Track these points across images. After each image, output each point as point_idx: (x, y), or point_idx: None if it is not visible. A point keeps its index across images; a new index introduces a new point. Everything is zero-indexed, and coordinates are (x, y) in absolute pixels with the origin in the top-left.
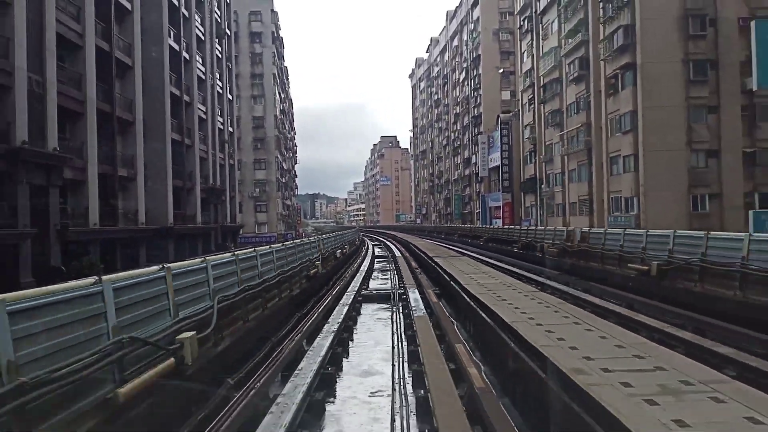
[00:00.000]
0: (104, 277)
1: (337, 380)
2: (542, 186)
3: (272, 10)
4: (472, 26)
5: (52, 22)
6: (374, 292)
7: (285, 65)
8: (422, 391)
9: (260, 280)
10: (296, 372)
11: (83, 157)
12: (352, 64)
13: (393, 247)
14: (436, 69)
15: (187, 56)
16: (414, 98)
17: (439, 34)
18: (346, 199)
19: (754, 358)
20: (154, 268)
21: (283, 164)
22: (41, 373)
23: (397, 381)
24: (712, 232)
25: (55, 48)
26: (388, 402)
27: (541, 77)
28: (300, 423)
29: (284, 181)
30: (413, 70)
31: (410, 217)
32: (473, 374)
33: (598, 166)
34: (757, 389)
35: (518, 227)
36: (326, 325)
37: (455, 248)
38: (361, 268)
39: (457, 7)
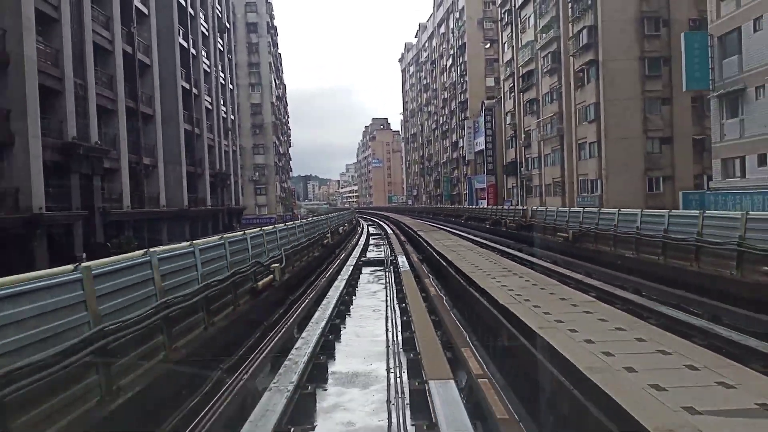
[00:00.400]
0: (219, 238)
1: (354, 298)
2: (522, 169)
3: (267, 1)
4: (457, 15)
5: (89, 32)
6: (373, 250)
7: (279, 52)
8: (404, 304)
9: (297, 243)
10: (329, 295)
11: (117, 149)
12: (341, 47)
13: (385, 225)
14: (425, 54)
15: (194, 52)
16: (404, 82)
17: (427, 21)
18: (338, 181)
19: (617, 289)
20: (255, 230)
21: (280, 148)
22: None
23: (390, 298)
24: (622, 210)
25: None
26: (383, 306)
27: (520, 68)
28: (341, 303)
29: (281, 164)
30: (402, 54)
31: (402, 199)
32: (433, 291)
33: (569, 151)
34: (610, 306)
35: (492, 207)
36: (345, 267)
37: (439, 225)
38: (360, 240)
39: (440, 1)
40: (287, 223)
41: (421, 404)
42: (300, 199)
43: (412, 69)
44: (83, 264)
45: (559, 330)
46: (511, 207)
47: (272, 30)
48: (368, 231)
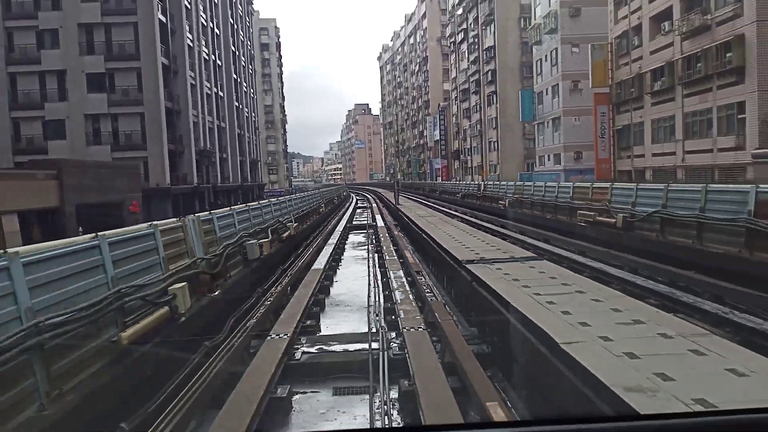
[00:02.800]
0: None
1: (350, 232)
2: (461, 155)
3: (275, 26)
4: (422, 32)
5: (204, 85)
6: (360, 204)
7: (282, 61)
8: (377, 220)
9: (317, 202)
10: (337, 229)
11: (225, 151)
12: (323, 33)
13: (368, 195)
14: (398, 57)
15: (236, 77)
16: (381, 78)
17: (400, 30)
18: (322, 159)
19: (506, 228)
20: (300, 194)
21: (283, 137)
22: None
23: (370, 219)
24: (506, 181)
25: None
26: (367, 213)
27: (459, 85)
28: (340, 238)
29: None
30: (381, 54)
31: (381, 176)
32: (387, 220)
33: (485, 146)
34: (485, 232)
35: (438, 182)
36: (348, 212)
37: (401, 194)
38: (355, 201)
39: (412, 14)
40: (298, 194)
41: (378, 243)
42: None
43: (388, 67)
44: (200, 213)
45: (438, 230)
46: (442, 181)
47: (279, 47)
48: (356, 199)
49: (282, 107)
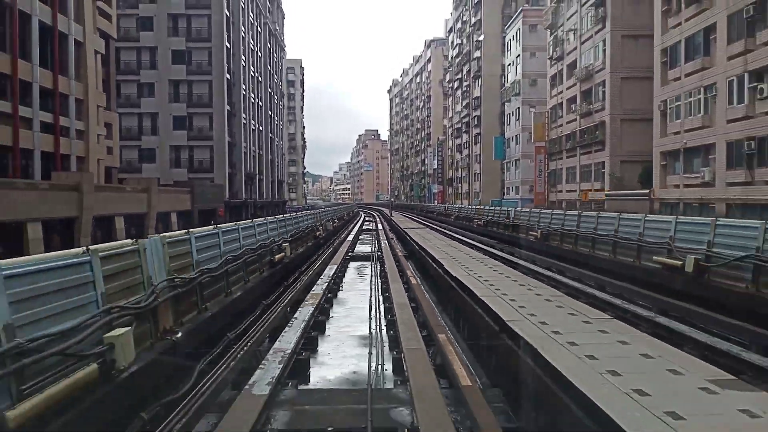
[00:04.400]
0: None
1: (360, 236)
2: (454, 183)
3: (301, 66)
4: (426, 74)
5: (250, 122)
6: (367, 221)
7: (304, 93)
8: (386, 228)
9: (334, 214)
10: (350, 233)
11: (263, 173)
12: (336, 51)
13: (374, 214)
14: (406, 92)
15: (271, 113)
16: (390, 109)
17: (409, 68)
18: (331, 178)
19: (494, 248)
20: (317, 205)
21: (302, 161)
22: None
23: (375, 230)
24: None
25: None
26: (373, 231)
27: (453, 125)
28: (354, 239)
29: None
30: (390, 87)
31: (387, 197)
32: (387, 233)
33: (471, 176)
34: (476, 250)
35: (439, 205)
36: (356, 226)
37: (403, 214)
38: (363, 218)
39: (419, 56)
40: (317, 209)
41: (381, 250)
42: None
43: (397, 100)
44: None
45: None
46: (439, 204)
47: (303, 83)
48: (364, 215)
49: (303, 136)
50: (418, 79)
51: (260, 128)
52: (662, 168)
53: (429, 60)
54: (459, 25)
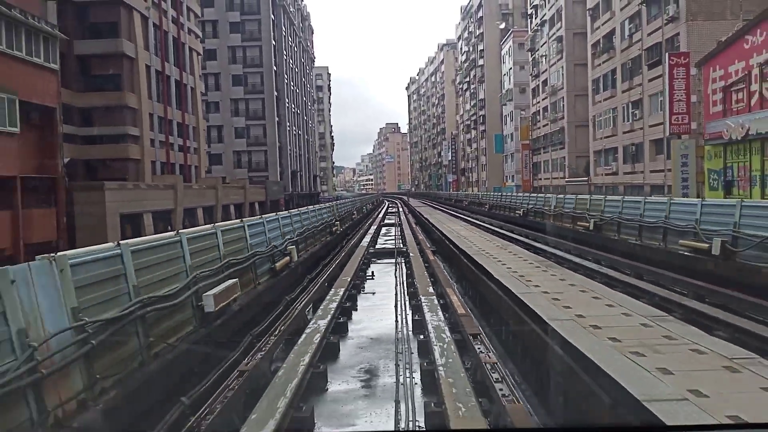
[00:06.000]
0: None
1: (386, 217)
2: (466, 173)
3: (328, 73)
4: (440, 74)
5: (292, 131)
6: (391, 211)
7: (330, 96)
8: (404, 212)
9: (366, 201)
10: (377, 214)
11: (303, 169)
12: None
13: (396, 202)
14: (422, 90)
15: (306, 118)
16: (409, 105)
17: (425, 67)
18: (353, 169)
19: (508, 231)
20: (344, 200)
21: (331, 156)
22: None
23: (400, 211)
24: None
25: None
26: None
27: (464, 121)
28: (381, 219)
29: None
30: (408, 84)
31: (407, 187)
32: (405, 206)
33: (479, 167)
34: (487, 233)
35: (455, 192)
36: (384, 207)
37: (422, 201)
38: (387, 205)
39: (433, 58)
40: (349, 198)
41: (402, 226)
42: None
43: (414, 97)
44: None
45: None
46: (456, 192)
47: (330, 87)
48: (388, 203)
49: (331, 134)
50: (433, 79)
51: (299, 132)
52: (594, 162)
53: (442, 62)
54: (466, 34)
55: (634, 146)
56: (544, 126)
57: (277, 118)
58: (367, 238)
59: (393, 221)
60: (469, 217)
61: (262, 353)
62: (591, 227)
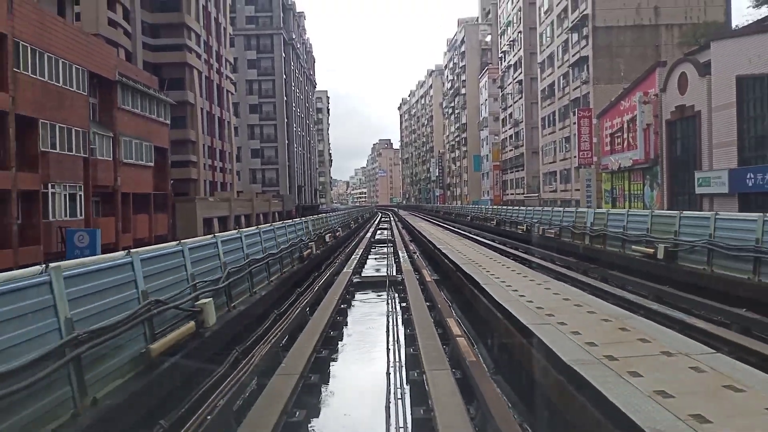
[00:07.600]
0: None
1: (380, 223)
2: (451, 188)
3: (327, 96)
4: (429, 98)
5: (293, 145)
6: (384, 220)
7: (329, 117)
8: (397, 226)
9: (364, 211)
10: (371, 223)
11: (306, 184)
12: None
13: (389, 213)
14: (414, 110)
15: (309, 138)
16: (401, 123)
17: (416, 89)
18: (347, 182)
19: (489, 241)
20: (341, 211)
21: (329, 171)
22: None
23: (392, 220)
24: (472, 206)
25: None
26: (390, 225)
27: (450, 142)
28: (375, 226)
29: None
30: (400, 104)
31: (399, 200)
32: (395, 215)
33: (462, 183)
34: (473, 242)
35: (443, 205)
36: (376, 219)
37: (412, 213)
38: (380, 216)
39: (423, 82)
40: (344, 210)
41: (392, 227)
42: None
43: (406, 116)
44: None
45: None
46: (443, 205)
47: (329, 108)
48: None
49: (329, 152)
50: (422, 101)
51: (303, 151)
52: (543, 181)
53: (431, 86)
54: (451, 64)
55: (566, 170)
56: (510, 151)
57: (286, 141)
58: (368, 235)
59: (386, 225)
60: (452, 226)
61: None
62: (525, 230)
